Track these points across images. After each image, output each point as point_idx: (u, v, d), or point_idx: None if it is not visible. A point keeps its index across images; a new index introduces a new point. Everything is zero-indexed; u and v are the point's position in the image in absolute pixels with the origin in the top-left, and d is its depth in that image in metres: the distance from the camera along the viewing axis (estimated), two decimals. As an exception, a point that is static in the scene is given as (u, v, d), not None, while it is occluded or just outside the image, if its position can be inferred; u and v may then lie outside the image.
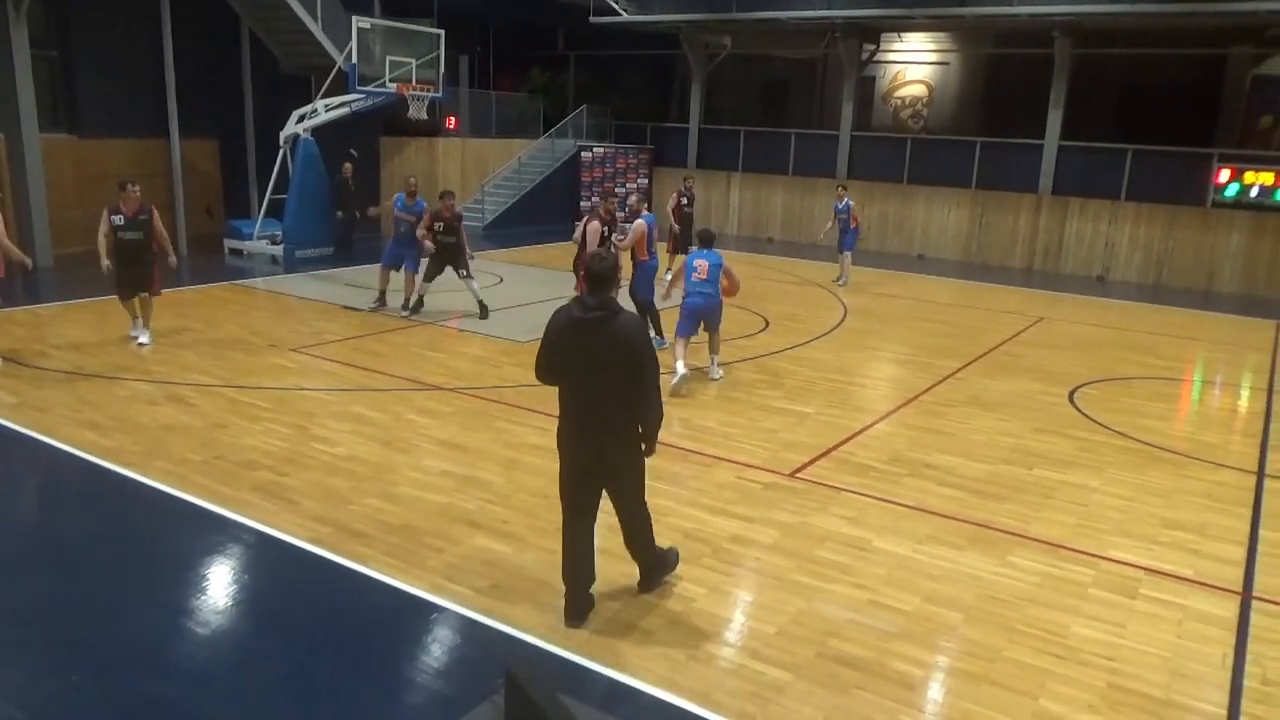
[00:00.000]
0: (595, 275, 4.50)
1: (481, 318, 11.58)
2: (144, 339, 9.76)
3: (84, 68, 15.62)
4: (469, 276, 11.57)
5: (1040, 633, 4.87)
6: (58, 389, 8.25)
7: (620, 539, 4.95)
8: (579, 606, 4.75)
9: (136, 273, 9.51)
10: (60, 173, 14.56)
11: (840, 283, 15.43)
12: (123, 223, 9.33)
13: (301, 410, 7.91)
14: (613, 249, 9.64)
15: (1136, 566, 5.69)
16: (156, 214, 9.61)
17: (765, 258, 18.88)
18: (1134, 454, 7.80)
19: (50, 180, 14.03)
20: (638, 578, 5.06)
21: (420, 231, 11.27)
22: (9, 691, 4.06)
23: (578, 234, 11.55)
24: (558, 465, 4.75)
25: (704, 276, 9.02)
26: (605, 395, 4.47)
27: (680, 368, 8.81)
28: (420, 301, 11.71)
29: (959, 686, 4.41)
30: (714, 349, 9.43)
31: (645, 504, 4.88)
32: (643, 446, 4.69)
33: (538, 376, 4.70)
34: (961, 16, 18.58)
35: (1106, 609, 5.15)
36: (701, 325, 9.17)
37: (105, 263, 9.29)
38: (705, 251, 9.20)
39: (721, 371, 9.45)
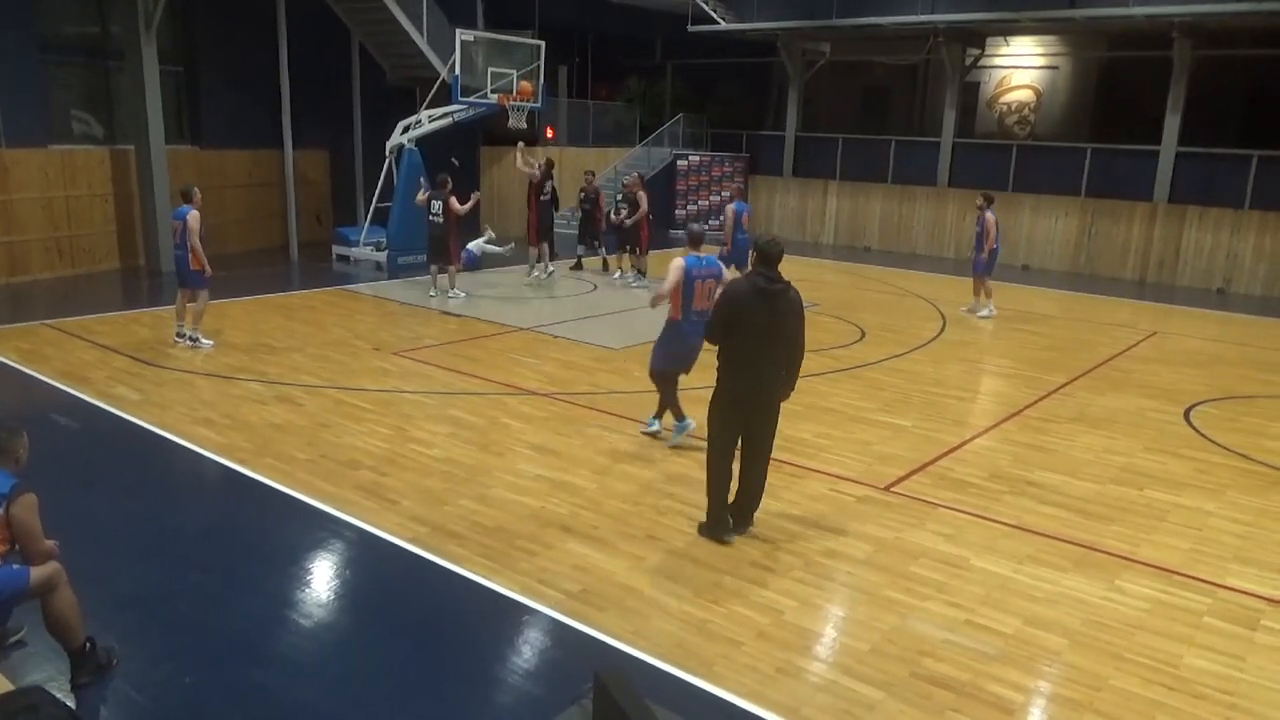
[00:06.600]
0: (769, 256, 5.62)
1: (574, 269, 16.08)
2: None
3: (207, 82, 16.44)
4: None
5: (1150, 662, 4.64)
6: (177, 387, 8.70)
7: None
8: (723, 525, 5.82)
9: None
10: (182, 182, 15.31)
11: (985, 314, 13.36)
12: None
13: (401, 412, 8.15)
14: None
15: (1258, 596, 5.37)
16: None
17: (862, 267, 18.59)
18: (1256, 477, 7.37)
19: (173, 189, 14.80)
20: (736, 525, 5.89)
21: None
22: (131, 674, 4.28)
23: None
24: (708, 415, 5.82)
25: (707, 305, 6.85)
26: (775, 348, 5.63)
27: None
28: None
29: (1061, 714, 4.24)
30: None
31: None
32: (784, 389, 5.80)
33: (711, 336, 5.81)
34: (1072, 19, 17.91)
35: (1224, 640, 4.88)
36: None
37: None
38: (708, 258, 7.16)
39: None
